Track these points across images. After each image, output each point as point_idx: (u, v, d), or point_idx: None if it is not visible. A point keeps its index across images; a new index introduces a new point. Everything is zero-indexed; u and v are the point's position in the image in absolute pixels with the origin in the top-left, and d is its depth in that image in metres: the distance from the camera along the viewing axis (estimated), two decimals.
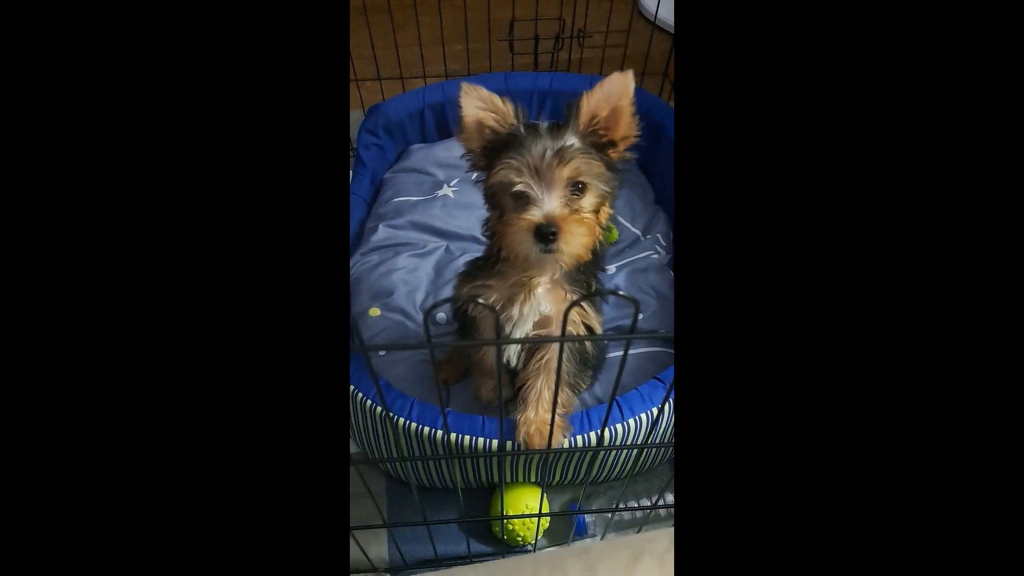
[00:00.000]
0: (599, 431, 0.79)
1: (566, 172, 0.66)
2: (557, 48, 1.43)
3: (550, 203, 0.66)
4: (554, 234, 0.63)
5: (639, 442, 0.87)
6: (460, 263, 1.10)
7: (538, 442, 0.74)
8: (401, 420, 0.83)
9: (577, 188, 0.67)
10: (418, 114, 1.33)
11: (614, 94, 0.69)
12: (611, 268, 1.19)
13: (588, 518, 0.93)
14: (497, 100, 0.71)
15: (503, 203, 0.70)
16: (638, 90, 1.32)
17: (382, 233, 1.22)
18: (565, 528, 0.94)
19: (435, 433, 0.82)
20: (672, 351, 1.06)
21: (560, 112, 1.43)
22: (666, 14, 1.68)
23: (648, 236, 1.25)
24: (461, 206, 1.25)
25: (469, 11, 1.33)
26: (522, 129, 0.69)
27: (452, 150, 1.36)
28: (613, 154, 0.72)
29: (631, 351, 1.07)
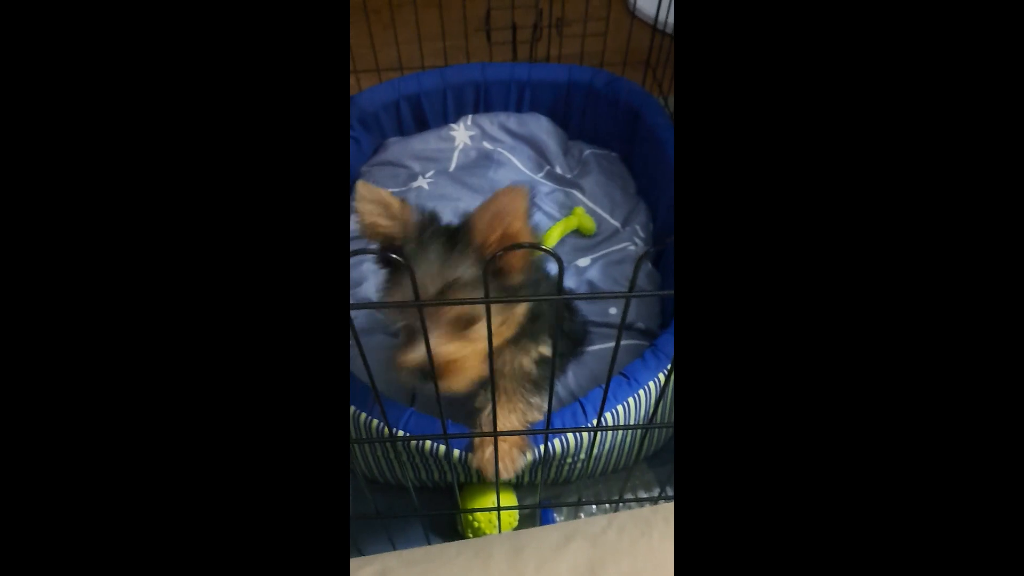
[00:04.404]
0: (541, 446, 0.75)
1: (451, 313, 0.62)
2: (535, 38, 1.41)
3: (433, 341, 0.62)
4: (435, 374, 0.58)
5: (606, 444, 0.83)
6: None
7: (494, 471, 0.70)
8: (363, 416, 0.80)
9: (467, 321, 0.63)
10: (393, 106, 1.30)
11: (506, 213, 0.60)
12: (585, 260, 1.16)
13: (557, 516, 0.89)
14: (394, 204, 0.66)
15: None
16: (619, 79, 1.30)
17: (354, 224, 1.19)
18: (531, 525, 0.91)
19: (396, 432, 0.78)
20: (646, 343, 1.03)
21: (539, 103, 1.41)
22: (645, 4, 1.65)
23: (627, 227, 1.21)
24: (435, 197, 1.22)
25: (445, 8, 1.31)
26: (413, 245, 0.64)
27: (429, 143, 1.33)
28: (514, 275, 0.64)
29: (603, 345, 1.04)
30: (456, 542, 0.45)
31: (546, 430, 0.52)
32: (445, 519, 0.92)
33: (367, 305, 0.42)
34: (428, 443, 0.78)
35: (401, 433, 0.78)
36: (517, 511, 0.89)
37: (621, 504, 0.86)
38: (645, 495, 0.92)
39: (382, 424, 0.79)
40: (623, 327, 0.43)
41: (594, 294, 1.11)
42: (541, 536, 0.43)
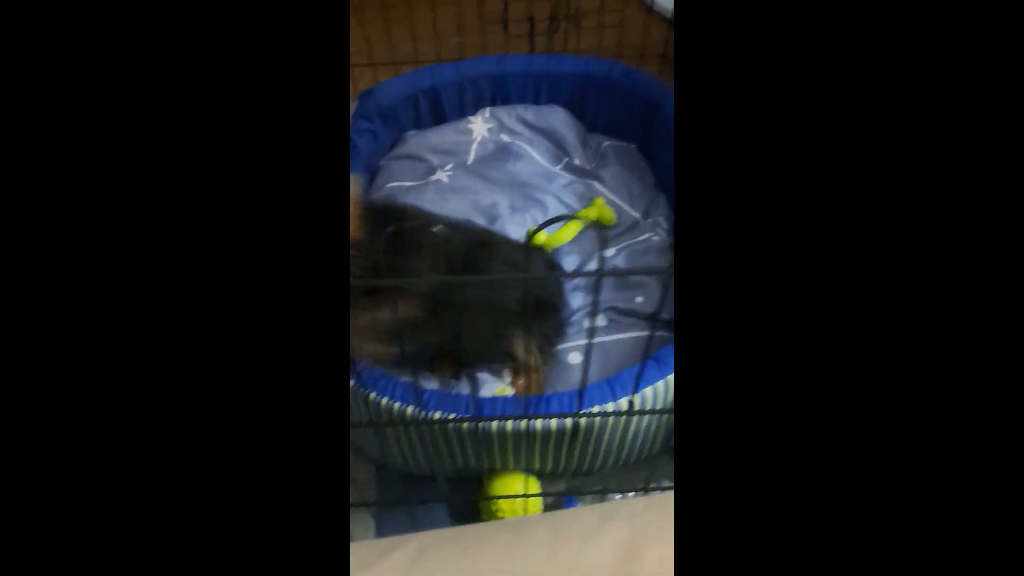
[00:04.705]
0: (576, 412, 0.75)
1: None
2: (552, 29, 1.41)
3: None
4: None
5: (631, 425, 0.83)
6: None
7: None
8: (384, 400, 0.80)
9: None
10: (411, 99, 1.31)
11: None
12: (611, 251, 1.16)
13: (581, 505, 0.89)
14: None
15: None
16: (636, 72, 1.30)
17: None
18: None
19: (418, 413, 0.79)
20: (667, 334, 1.02)
21: (557, 95, 1.41)
22: None
23: (648, 219, 1.21)
24: (454, 190, 1.23)
25: (463, 4, 1.31)
26: None
27: (446, 136, 1.33)
28: None
29: (628, 334, 1.03)
30: (493, 522, 0.45)
31: (578, 413, 0.52)
32: (469, 511, 0.93)
33: (401, 281, 0.42)
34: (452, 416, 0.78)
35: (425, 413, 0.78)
36: (540, 500, 0.89)
37: (646, 494, 0.85)
38: (669, 484, 0.92)
39: (403, 406, 0.79)
40: (659, 311, 0.43)
41: (631, 269, 1.11)
42: (579, 516, 0.43)
